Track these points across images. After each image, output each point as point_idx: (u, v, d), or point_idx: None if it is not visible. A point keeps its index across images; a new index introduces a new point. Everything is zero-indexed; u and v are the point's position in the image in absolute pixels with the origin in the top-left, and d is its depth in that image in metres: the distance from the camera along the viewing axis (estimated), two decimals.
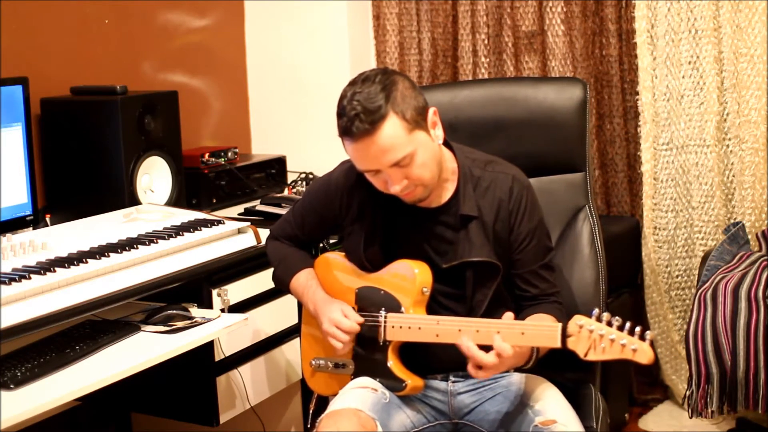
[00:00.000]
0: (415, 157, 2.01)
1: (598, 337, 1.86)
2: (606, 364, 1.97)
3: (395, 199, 2.14)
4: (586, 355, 1.88)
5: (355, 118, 1.97)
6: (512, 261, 2.16)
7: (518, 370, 2.13)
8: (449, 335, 2.02)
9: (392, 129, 1.98)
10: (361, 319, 2.14)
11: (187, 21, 3.55)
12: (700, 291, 2.89)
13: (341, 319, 2.13)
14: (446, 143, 2.17)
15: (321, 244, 2.66)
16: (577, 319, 1.90)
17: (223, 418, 2.62)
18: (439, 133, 2.10)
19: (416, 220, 2.17)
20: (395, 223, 2.18)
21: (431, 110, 2.08)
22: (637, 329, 1.84)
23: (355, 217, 2.21)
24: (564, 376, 2.21)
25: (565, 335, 1.91)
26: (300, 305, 2.80)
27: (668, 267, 3.42)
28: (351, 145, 2.02)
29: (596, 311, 1.89)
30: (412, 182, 2.04)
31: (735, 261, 3.01)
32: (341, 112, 2.01)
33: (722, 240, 3.15)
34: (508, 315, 2.01)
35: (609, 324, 1.87)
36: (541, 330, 1.95)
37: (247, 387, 2.67)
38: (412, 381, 2.13)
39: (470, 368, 1.98)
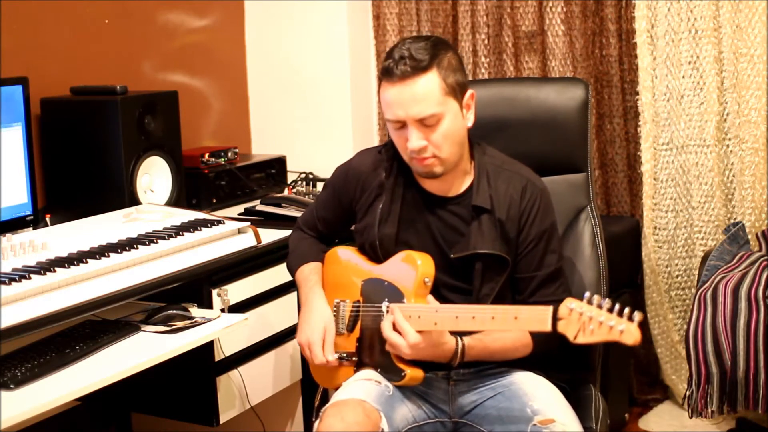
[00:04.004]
0: (441, 120, 2.08)
1: (587, 320, 1.86)
2: (606, 364, 1.97)
3: (412, 184, 2.20)
4: (575, 338, 1.88)
5: (401, 61, 2.05)
6: (517, 263, 2.17)
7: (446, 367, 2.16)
8: (447, 323, 2.04)
9: (430, 83, 2.06)
10: (333, 358, 2.20)
11: (187, 21, 3.55)
12: (700, 291, 2.89)
13: (316, 351, 2.20)
14: (469, 138, 2.21)
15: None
16: (568, 302, 1.89)
17: (223, 418, 2.61)
18: (470, 116, 2.16)
19: (431, 207, 2.20)
20: (410, 208, 2.21)
21: (470, 92, 2.15)
22: (626, 310, 1.83)
23: (372, 199, 2.25)
24: (564, 377, 2.21)
25: (555, 318, 1.90)
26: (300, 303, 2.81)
27: (668, 267, 3.42)
28: (388, 88, 2.08)
29: (587, 294, 1.89)
30: (431, 148, 2.08)
31: (735, 261, 3.01)
32: (388, 56, 2.10)
33: (722, 240, 3.15)
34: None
35: (599, 307, 1.86)
36: (532, 314, 1.95)
37: (247, 387, 2.66)
38: (411, 371, 2.14)
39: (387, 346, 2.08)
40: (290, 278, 2.48)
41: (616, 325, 1.82)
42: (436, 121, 2.07)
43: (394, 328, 2.07)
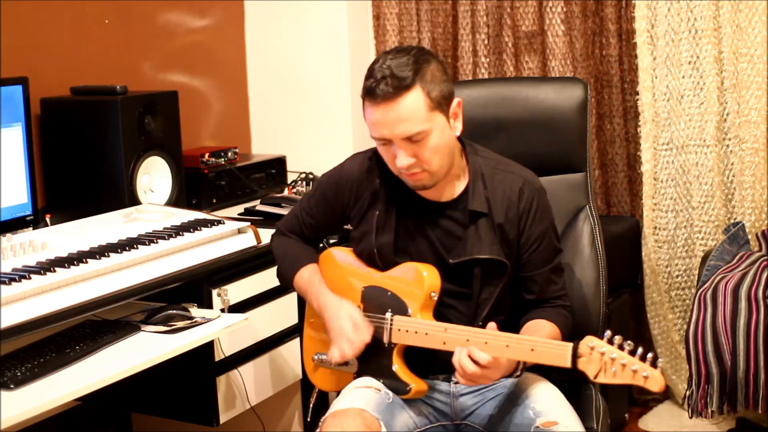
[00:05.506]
0: (429, 136, 2.03)
1: (609, 360, 1.85)
2: None
3: (407, 191, 2.16)
4: (595, 377, 1.87)
5: (382, 81, 2.00)
6: (521, 263, 2.16)
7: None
8: (457, 344, 2.01)
9: (414, 101, 2.01)
10: (368, 338, 2.12)
11: (187, 21, 3.55)
12: (700, 291, 2.89)
13: (353, 337, 2.11)
14: (460, 140, 2.17)
15: (321, 244, 2.66)
16: (589, 341, 1.88)
17: (223, 418, 2.62)
18: (458, 125, 2.11)
19: (426, 213, 2.17)
20: (406, 216, 2.18)
21: (456, 100, 2.10)
22: (649, 355, 1.83)
23: (366, 207, 2.21)
24: (564, 377, 2.21)
25: (575, 355, 1.89)
26: (300, 303, 2.81)
27: (668, 267, 3.42)
28: (371, 108, 2.04)
29: (608, 333, 1.88)
30: (420, 163, 2.05)
31: (735, 261, 3.01)
32: (369, 74, 2.04)
33: (722, 240, 3.15)
34: (492, 325, 2.00)
35: (620, 347, 1.85)
36: (551, 348, 1.93)
37: (247, 387, 2.67)
38: (416, 385, 2.13)
39: (457, 375, 1.99)
40: None
41: (640, 370, 1.81)
42: (423, 138, 2.02)
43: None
